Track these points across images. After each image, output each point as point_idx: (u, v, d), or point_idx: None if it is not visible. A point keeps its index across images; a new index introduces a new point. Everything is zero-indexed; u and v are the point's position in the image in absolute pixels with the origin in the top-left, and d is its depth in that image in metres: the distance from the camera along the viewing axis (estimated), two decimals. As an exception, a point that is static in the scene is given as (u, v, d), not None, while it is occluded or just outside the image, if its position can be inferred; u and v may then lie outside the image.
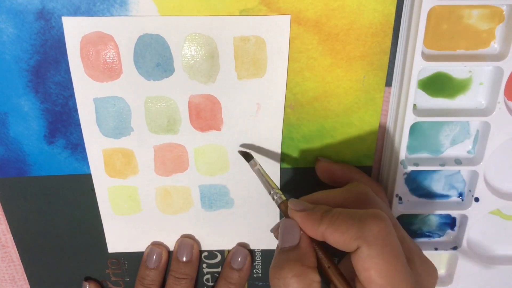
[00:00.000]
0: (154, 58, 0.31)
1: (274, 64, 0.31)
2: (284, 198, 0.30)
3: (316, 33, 0.30)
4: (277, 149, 0.34)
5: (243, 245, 0.38)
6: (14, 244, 0.38)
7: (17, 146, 0.34)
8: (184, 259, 0.36)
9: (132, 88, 0.32)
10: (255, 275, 0.39)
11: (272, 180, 0.31)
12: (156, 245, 0.37)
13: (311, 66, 0.31)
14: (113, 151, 0.34)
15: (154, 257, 0.37)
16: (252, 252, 0.38)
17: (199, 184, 0.35)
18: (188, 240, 0.37)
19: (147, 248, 0.37)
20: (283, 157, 0.34)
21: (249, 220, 0.37)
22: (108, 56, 0.31)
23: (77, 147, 0.34)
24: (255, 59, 0.31)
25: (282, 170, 0.35)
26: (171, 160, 0.34)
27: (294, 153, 0.34)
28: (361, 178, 0.33)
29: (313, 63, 0.31)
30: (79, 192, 0.36)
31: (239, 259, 0.36)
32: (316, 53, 0.31)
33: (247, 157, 0.32)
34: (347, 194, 0.30)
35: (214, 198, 0.36)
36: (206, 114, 0.33)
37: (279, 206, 0.30)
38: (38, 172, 0.35)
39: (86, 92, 0.32)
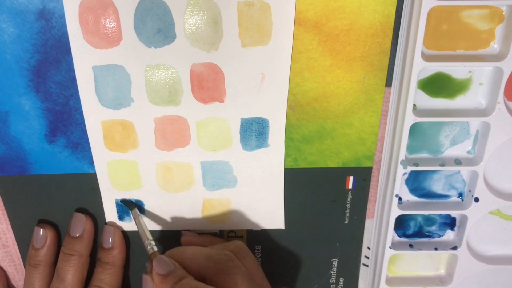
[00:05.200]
0: (155, 23, 0.30)
1: (280, 31, 0.30)
2: (155, 249, 0.33)
3: (316, 33, 0.30)
4: (282, 123, 0.33)
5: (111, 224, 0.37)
6: (14, 243, 0.38)
7: (18, 145, 0.34)
8: (77, 234, 0.36)
9: (132, 56, 0.31)
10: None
11: (148, 231, 0.34)
12: (42, 224, 0.37)
13: (311, 67, 0.31)
14: (113, 122, 0.33)
15: (40, 236, 0.36)
16: (251, 252, 0.38)
17: (201, 160, 0.34)
18: (80, 215, 0.36)
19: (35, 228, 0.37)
20: (283, 157, 0.35)
21: (252, 200, 0.36)
22: (107, 21, 0.30)
23: (78, 146, 0.34)
24: (260, 26, 0.30)
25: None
26: (172, 134, 0.33)
27: (294, 154, 0.34)
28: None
29: (313, 64, 0.31)
30: (79, 191, 0.36)
31: (109, 239, 0.36)
32: (316, 53, 0.31)
33: (129, 205, 0.35)
34: (218, 252, 0.32)
35: (216, 177, 0.35)
36: (208, 85, 0.32)
37: (149, 257, 0.32)
38: (39, 170, 0.35)
39: (85, 60, 0.31)
